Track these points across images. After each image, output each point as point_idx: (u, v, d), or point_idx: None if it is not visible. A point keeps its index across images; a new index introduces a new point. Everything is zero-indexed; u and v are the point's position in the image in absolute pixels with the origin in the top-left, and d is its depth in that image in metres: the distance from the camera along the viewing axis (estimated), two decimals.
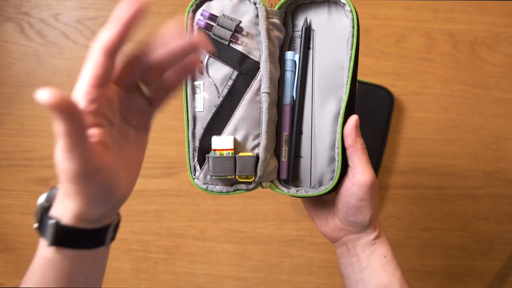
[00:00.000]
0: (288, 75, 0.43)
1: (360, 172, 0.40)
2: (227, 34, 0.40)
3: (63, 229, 0.29)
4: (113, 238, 0.34)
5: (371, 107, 0.73)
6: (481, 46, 0.74)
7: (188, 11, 0.41)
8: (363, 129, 0.73)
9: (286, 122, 0.44)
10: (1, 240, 0.75)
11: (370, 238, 0.42)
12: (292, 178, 0.44)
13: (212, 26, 0.41)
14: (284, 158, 0.44)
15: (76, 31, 0.74)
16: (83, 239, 0.31)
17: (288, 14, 0.44)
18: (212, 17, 0.41)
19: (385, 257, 0.42)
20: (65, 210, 0.30)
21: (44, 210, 0.31)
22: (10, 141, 0.74)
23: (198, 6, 0.41)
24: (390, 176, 0.75)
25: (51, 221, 0.29)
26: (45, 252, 0.30)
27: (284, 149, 0.44)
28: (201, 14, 0.41)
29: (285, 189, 0.43)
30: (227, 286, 0.76)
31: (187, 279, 0.76)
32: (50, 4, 0.74)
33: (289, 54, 0.43)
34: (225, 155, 0.40)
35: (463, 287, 0.76)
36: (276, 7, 0.43)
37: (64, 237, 0.30)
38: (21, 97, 0.74)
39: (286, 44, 0.44)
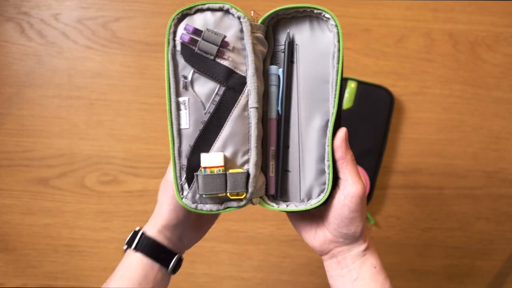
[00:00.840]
0: (273, 89, 0.43)
1: (352, 184, 0.40)
2: (213, 48, 0.40)
3: (145, 238, 0.44)
4: (174, 270, 0.45)
5: (371, 107, 0.73)
6: (481, 46, 0.74)
7: (170, 25, 0.40)
8: (363, 130, 0.74)
9: (273, 136, 0.43)
10: (1, 240, 0.75)
11: (360, 249, 0.42)
12: (281, 193, 0.44)
13: (197, 40, 0.40)
14: (271, 173, 0.44)
15: (76, 31, 0.74)
16: (155, 250, 0.43)
17: (270, 29, 0.44)
18: (196, 32, 0.40)
19: (375, 267, 0.42)
20: (150, 227, 0.44)
21: (135, 232, 0.45)
22: (10, 141, 0.74)
23: (179, 20, 0.40)
24: (390, 176, 0.75)
25: (139, 233, 0.44)
26: (125, 259, 0.43)
27: (272, 164, 0.44)
28: (185, 29, 0.40)
29: (274, 205, 0.43)
30: (227, 286, 0.76)
31: (187, 279, 0.76)
32: (50, 4, 0.74)
33: (273, 69, 0.43)
34: (215, 172, 0.40)
35: (463, 287, 0.76)
36: (259, 21, 0.42)
37: (143, 244, 0.43)
38: (21, 97, 0.74)
39: (268, 58, 0.44)
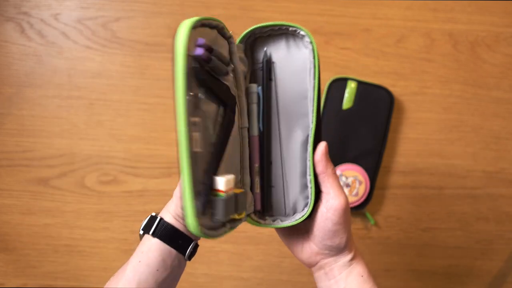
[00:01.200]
0: (254, 107, 0.44)
1: (334, 197, 0.41)
2: (224, 68, 0.38)
3: (163, 224, 0.42)
4: (190, 257, 0.43)
5: (371, 107, 0.73)
6: (481, 46, 0.74)
7: (187, 37, 0.33)
8: (363, 130, 0.74)
9: (256, 153, 0.44)
10: (1, 240, 0.75)
11: (346, 260, 0.43)
12: (267, 208, 0.45)
13: (209, 57, 0.36)
14: (256, 189, 0.44)
15: (76, 31, 0.74)
16: (173, 236, 0.42)
17: (247, 48, 0.44)
18: (208, 48, 0.36)
19: (362, 276, 0.43)
20: (167, 214, 0.43)
21: (152, 218, 0.43)
22: (10, 141, 0.74)
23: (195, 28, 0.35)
24: (390, 176, 0.75)
25: (157, 219, 0.42)
26: (143, 245, 0.42)
27: (256, 181, 0.44)
28: (200, 44, 0.35)
29: (261, 221, 0.44)
30: (227, 286, 0.76)
31: (187, 279, 0.76)
32: (50, 4, 0.74)
33: (252, 87, 0.44)
34: (231, 195, 0.37)
35: (463, 287, 0.76)
36: (237, 41, 0.43)
37: (161, 230, 0.42)
38: (21, 97, 0.74)
39: (247, 76, 0.44)
